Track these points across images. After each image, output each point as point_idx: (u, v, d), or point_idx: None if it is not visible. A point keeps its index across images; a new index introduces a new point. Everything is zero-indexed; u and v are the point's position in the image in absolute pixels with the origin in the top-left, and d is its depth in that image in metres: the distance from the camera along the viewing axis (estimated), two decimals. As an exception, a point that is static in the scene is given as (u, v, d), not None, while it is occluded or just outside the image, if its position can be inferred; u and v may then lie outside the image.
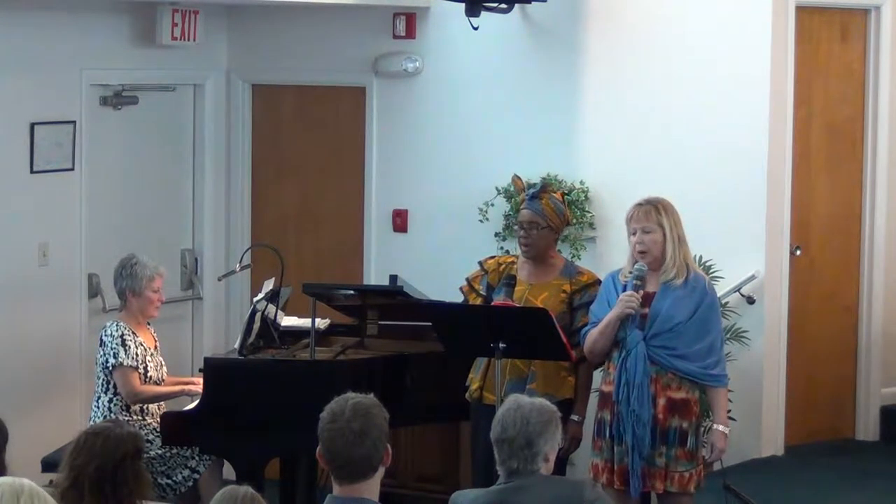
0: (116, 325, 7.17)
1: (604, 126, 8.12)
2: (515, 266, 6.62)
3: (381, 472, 4.12)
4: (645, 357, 6.03)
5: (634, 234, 6.12)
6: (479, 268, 6.76)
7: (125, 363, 7.09)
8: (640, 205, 6.14)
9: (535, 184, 7.06)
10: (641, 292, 6.06)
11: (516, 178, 7.75)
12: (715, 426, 6.14)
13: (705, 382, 6.11)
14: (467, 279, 6.78)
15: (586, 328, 6.24)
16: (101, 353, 7.16)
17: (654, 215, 6.08)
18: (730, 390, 7.35)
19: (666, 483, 6.06)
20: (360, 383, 6.50)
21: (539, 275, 6.55)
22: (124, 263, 7.31)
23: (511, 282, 6.47)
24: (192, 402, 7.12)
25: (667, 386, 6.06)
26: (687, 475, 6.08)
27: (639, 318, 6.07)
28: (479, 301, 6.66)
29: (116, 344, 7.09)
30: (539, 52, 8.26)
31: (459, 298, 6.80)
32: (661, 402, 6.05)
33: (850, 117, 8.41)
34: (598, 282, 6.46)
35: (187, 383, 7.45)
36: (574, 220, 7.99)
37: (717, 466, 6.79)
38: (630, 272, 6.12)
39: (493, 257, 6.84)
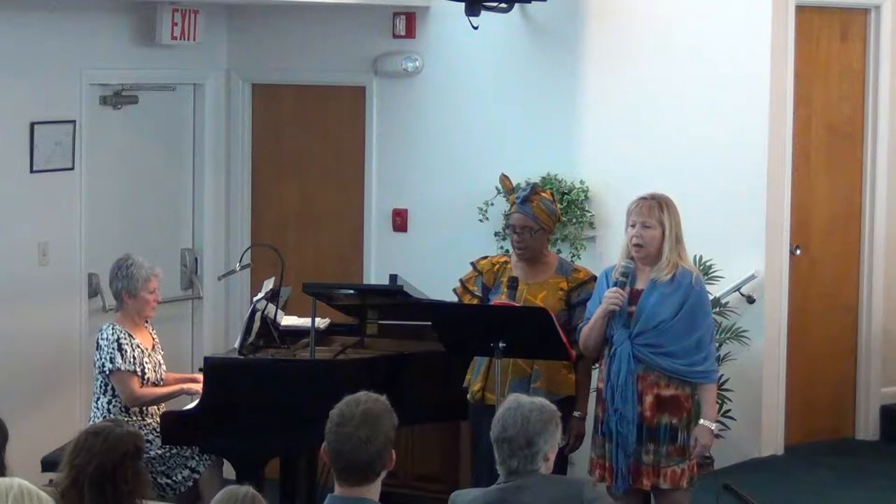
0: (112, 329, 7.15)
1: (604, 126, 8.12)
2: (509, 266, 6.61)
3: (383, 474, 4.13)
4: (629, 356, 6.03)
5: (634, 226, 6.12)
6: (472, 269, 6.76)
7: (122, 368, 7.07)
8: (644, 198, 6.13)
9: (523, 185, 7.03)
10: (628, 289, 6.07)
11: (504, 178, 7.75)
12: (701, 421, 6.10)
13: (691, 379, 6.09)
14: (461, 281, 6.77)
15: (581, 324, 6.27)
16: (98, 356, 7.14)
17: (656, 212, 6.08)
18: (729, 389, 7.40)
19: (658, 479, 6.06)
20: (359, 383, 6.48)
21: (535, 274, 6.55)
22: (119, 264, 7.29)
23: (514, 284, 6.45)
24: (192, 401, 7.12)
25: (654, 383, 6.06)
26: (679, 471, 6.07)
27: (626, 316, 6.08)
28: (474, 302, 6.66)
29: (113, 349, 7.08)
30: (539, 52, 8.26)
31: (454, 300, 6.79)
32: (649, 399, 6.05)
33: (851, 117, 8.42)
34: (595, 278, 6.46)
35: (188, 380, 7.45)
36: (574, 220, 7.99)
37: (716, 465, 6.79)
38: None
39: (485, 258, 6.81)
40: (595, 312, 6.14)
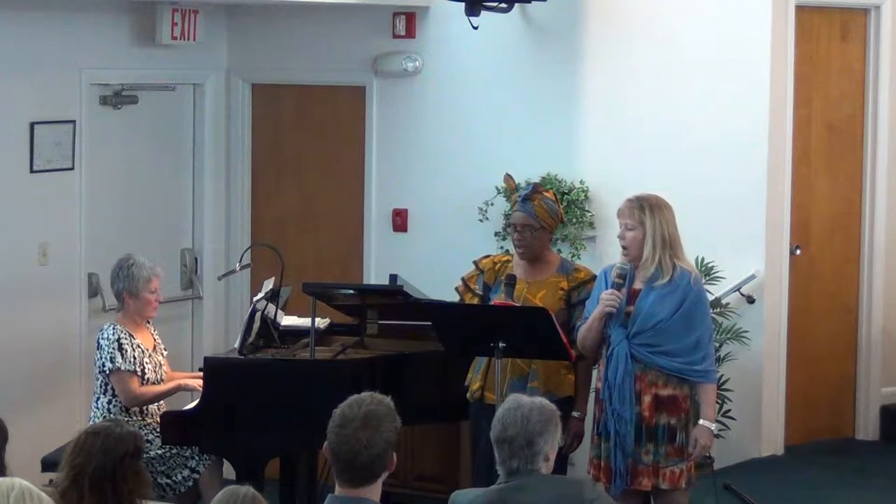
0: (113, 329, 7.15)
1: (604, 126, 8.12)
2: (511, 265, 6.62)
3: (384, 475, 4.12)
4: (626, 356, 6.04)
5: (621, 227, 6.16)
6: (474, 268, 6.76)
7: (122, 368, 7.07)
8: (629, 200, 6.17)
9: (525, 185, 7.03)
10: (625, 289, 6.08)
11: (508, 178, 7.74)
12: (701, 422, 6.10)
13: (691, 378, 6.09)
14: (463, 279, 6.78)
15: (579, 324, 6.28)
16: (99, 356, 7.15)
17: (636, 213, 6.09)
18: (729, 389, 7.39)
19: (657, 480, 6.07)
20: (359, 383, 6.50)
21: (536, 273, 6.56)
22: (121, 265, 7.30)
23: (512, 281, 6.46)
24: (193, 401, 7.12)
25: (653, 383, 6.06)
26: (678, 471, 6.07)
27: (623, 316, 6.08)
28: (475, 301, 6.66)
29: (113, 348, 7.08)
30: (539, 52, 8.26)
31: (456, 299, 6.80)
32: (647, 399, 6.05)
33: (851, 116, 8.41)
34: (595, 278, 6.46)
35: (189, 378, 7.45)
36: (574, 220, 7.99)
37: (716, 465, 6.78)
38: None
39: (487, 256, 6.82)
40: (593, 312, 6.15)
